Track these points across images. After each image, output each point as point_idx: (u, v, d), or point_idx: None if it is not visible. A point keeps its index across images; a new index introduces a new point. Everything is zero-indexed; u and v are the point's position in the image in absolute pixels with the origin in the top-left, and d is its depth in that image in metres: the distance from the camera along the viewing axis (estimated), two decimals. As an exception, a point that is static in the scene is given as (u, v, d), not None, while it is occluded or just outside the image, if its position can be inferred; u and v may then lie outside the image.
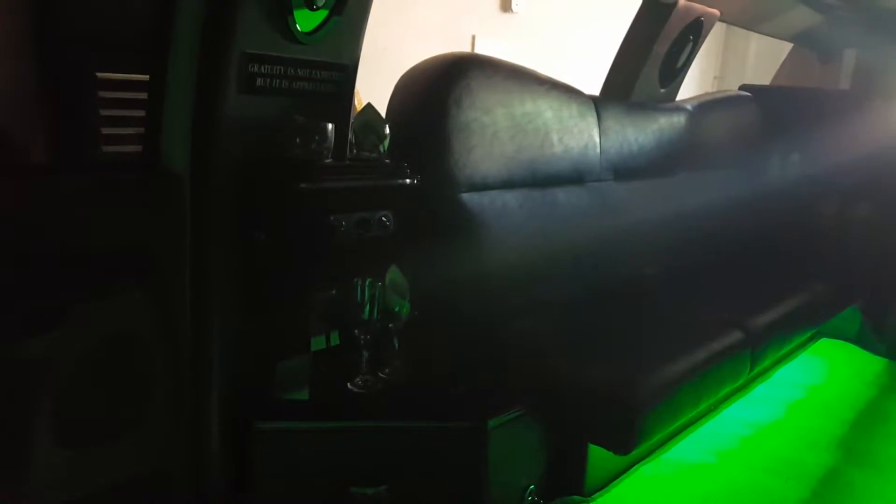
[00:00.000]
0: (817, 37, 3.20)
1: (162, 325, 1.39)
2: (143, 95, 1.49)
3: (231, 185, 1.38)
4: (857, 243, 3.01)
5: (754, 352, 2.09)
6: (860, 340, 3.14)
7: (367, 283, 1.49)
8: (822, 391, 2.70)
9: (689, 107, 2.70)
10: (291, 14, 1.35)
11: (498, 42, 4.12)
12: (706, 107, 2.81)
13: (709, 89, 5.86)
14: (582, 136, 2.18)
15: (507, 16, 4.16)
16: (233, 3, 1.29)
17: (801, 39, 3.34)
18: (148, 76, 1.43)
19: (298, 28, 1.37)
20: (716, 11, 2.50)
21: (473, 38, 4.06)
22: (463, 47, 4.05)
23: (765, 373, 2.63)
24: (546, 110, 2.04)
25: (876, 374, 2.92)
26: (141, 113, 1.52)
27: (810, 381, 2.77)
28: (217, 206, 1.38)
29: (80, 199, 1.37)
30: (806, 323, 2.56)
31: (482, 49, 4.08)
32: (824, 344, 3.13)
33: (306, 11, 1.37)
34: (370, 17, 1.53)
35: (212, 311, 1.41)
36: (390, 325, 1.55)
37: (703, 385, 1.82)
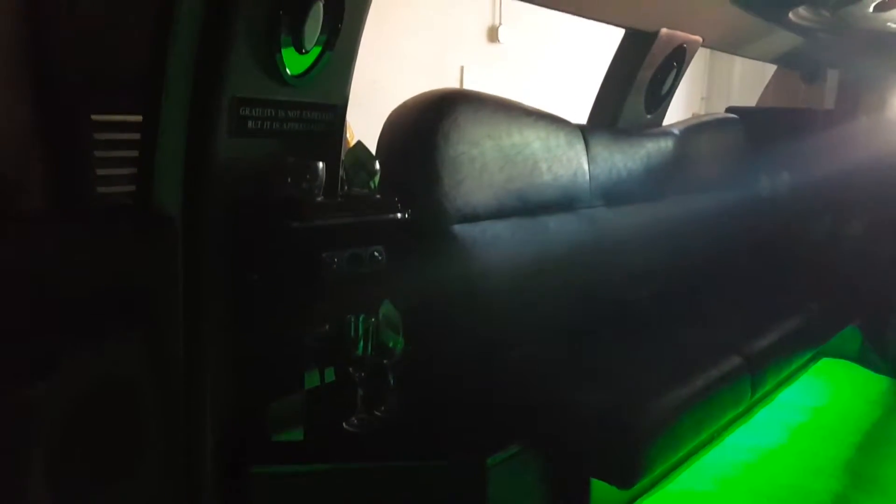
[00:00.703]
0: (800, 58, 3.25)
1: (155, 368, 1.38)
2: (136, 136, 1.50)
3: (223, 225, 1.38)
4: (852, 261, 3.02)
5: (754, 376, 2.08)
6: (862, 359, 3.12)
7: (360, 319, 1.49)
8: (825, 413, 2.68)
9: (676, 131, 2.72)
10: (281, 58, 1.36)
11: (485, 71, 4.19)
12: (693, 130, 2.84)
13: (696, 110, 5.94)
14: (571, 164, 2.20)
15: (493, 46, 4.23)
16: (223, 48, 1.31)
17: (783, 61, 3.39)
18: (141, 117, 1.44)
19: (288, 72, 1.38)
20: (698, 38, 2.54)
21: (462, 68, 4.13)
22: (452, 77, 4.12)
23: (766, 396, 2.61)
24: (534, 140, 2.05)
25: (880, 393, 2.90)
26: (134, 153, 1.53)
27: (813, 403, 2.75)
28: (210, 246, 1.38)
29: (73, 242, 1.37)
30: (805, 344, 2.56)
31: (470, 77, 4.16)
32: (826, 364, 3.11)
33: (296, 55, 1.38)
34: (362, 50, 1.55)
35: (206, 352, 1.40)
36: (385, 361, 1.54)
37: (703, 413, 1.81)
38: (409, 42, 3.76)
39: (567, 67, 4.58)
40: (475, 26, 4.15)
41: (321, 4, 1.37)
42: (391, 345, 1.52)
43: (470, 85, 4.16)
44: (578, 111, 2.73)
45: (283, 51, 1.37)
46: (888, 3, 2.17)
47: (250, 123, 1.38)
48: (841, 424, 2.58)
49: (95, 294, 1.30)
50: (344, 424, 1.52)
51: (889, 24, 2.49)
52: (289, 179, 1.41)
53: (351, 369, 1.50)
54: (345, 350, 1.49)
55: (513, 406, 1.67)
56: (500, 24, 4.19)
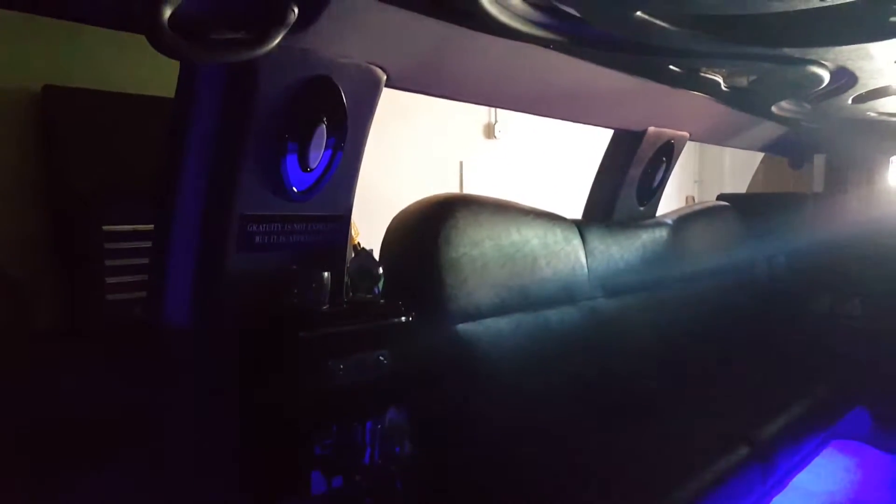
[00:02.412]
0: (786, 146, 3.37)
1: (163, 485, 1.38)
2: (147, 244, 1.57)
3: (232, 338, 1.42)
4: (855, 340, 3.02)
5: (764, 464, 2.06)
6: (872, 440, 3.07)
7: (366, 425, 1.50)
8: (840, 498, 2.62)
9: (669, 221, 2.80)
10: (287, 176, 1.44)
11: (483, 165, 4.35)
12: (686, 219, 2.92)
13: (691, 192, 6.09)
14: (569, 259, 2.26)
15: (490, 142, 4.42)
16: (232, 169, 1.39)
17: (770, 149, 3.52)
18: (152, 226, 1.50)
19: (294, 189, 1.46)
20: (685, 133, 2.66)
21: (461, 163, 4.29)
22: (452, 171, 4.28)
23: (778, 483, 2.56)
24: (532, 238, 2.12)
25: (893, 473, 2.84)
26: (144, 260, 1.59)
27: (827, 488, 2.69)
28: (218, 360, 1.41)
29: (80, 363, 1.41)
30: (814, 428, 2.53)
31: (470, 172, 4.31)
32: (837, 446, 3.05)
33: (301, 172, 1.47)
34: (369, 150, 1.62)
35: (213, 464, 1.41)
36: (393, 468, 1.54)
37: (715, 507, 1.78)
38: (412, 140, 3.93)
39: (561, 159, 4.76)
40: (473, 124, 4.35)
41: (324, 126, 1.46)
42: (398, 451, 1.52)
43: (469, 178, 4.32)
44: (574, 198, 2.83)
45: (290, 170, 1.45)
46: (865, 95, 2.28)
47: (258, 239, 1.44)
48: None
49: (104, 415, 1.32)
50: (351, 535, 1.50)
51: (868, 112, 2.61)
52: (295, 290, 1.47)
53: (358, 477, 1.50)
54: (351, 457, 1.49)
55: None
56: (496, 121, 4.39)
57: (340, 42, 1.38)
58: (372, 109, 1.55)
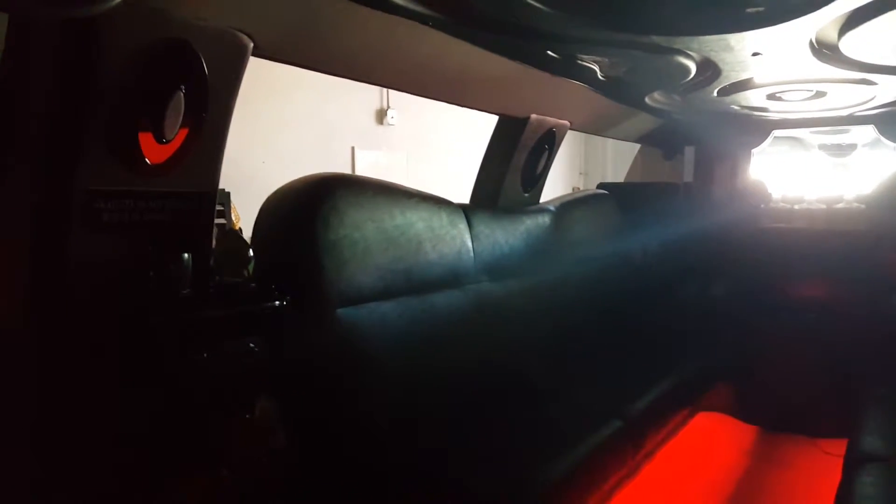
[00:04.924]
0: (659, 137, 3.56)
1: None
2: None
3: (75, 331, 1.28)
4: (719, 320, 3.24)
5: (635, 438, 2.16)
6: (734, 411, 3.31)
7: (236, 419, 1.41)
8: (706, 466, 2.81)
9: (552, 208, 2.88)
10: (139, 147, 1.32)
11: (375, 151, 4.29)
12: (568, 206, 3.01)
13: (577, 183, 6.33)
14: (455, 243, 2.26)
15: (382, 128, 4.36)
16: (76, 136, 1.25)
17: (645, 140, 3.70)
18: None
19: (148, 161, 1.33)
20: (566, 122, 2.73)
21: (353, 149, 4.20)
22: (344, 157, 4.19)
23: (648, 455, 2.70)
24: (417, 221, 2.09)
25: (752, 442, 3.08)
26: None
27: (693, 458, 2.87)
28: (61, 354, 1.27)
29: None
30: (681, 401, 2.70)
31: (361, 157, 4.24)
32: (702, 418, 3.27)
33: (156, 144, 1.34)
34: (252, 134, 1.52)
35: (60, 473, 1.27)
36: (263, 462, 1.46)
37: (588, 480, 1.84)
38: (301, 124, 3.79)
39: (451, 145, 4.79)
40: (364, 110, 4.27)
41: (182, 94, 1.35)
42: (270, 444, 1.45)
43: (361, 164, 4.24)
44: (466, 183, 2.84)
45: (143, 140, 1.32)
46: (728, 88, 2.43)
47: (106, 216, 1.30)
48: (721, 476, 2.71)
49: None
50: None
51: (732, 105, 2.79)
52: (151, 273, 1.35)
53: (225, 472, 1.41)
54: (218, 452, 1.40)
55: (402, 493, 1.62)
56: (389, 107, 4.33)
57: (198, 3, 1.27)
58: (238, 78, 1.45)
